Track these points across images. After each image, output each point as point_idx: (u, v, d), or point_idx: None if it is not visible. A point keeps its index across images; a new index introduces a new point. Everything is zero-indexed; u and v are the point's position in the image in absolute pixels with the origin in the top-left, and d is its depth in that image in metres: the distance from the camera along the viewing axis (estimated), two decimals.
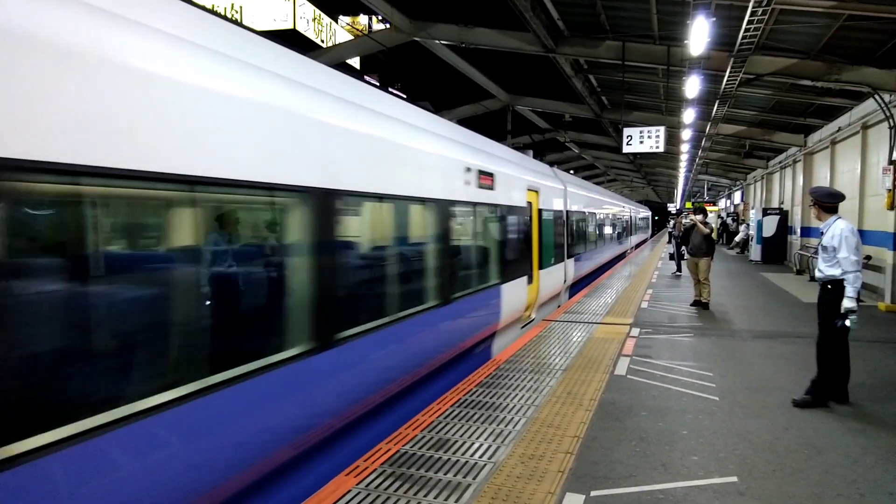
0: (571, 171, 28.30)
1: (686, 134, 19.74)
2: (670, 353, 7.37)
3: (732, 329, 9.09)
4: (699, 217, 11.57)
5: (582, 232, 15.19)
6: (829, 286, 5.37)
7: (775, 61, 11.55)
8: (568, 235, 12.95)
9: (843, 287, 5.20)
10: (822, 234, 5.54)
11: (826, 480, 3.89)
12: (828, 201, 5.53)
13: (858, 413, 5.22)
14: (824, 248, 5.41)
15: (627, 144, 14.72)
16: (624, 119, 17.60)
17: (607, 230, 21.20)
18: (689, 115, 15.87)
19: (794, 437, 4.66)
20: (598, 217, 18.45)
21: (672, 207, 54.18)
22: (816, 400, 5.39)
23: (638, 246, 33.97)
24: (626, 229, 28.73)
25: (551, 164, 15.92)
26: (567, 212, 13.04)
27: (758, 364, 6.94)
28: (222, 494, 3.25)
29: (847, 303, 5.13)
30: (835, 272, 5.29)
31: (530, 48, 13.54)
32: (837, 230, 5.31)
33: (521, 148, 14.28)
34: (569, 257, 12.98)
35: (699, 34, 9.36)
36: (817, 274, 5.57)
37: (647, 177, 47.88)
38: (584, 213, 15.45)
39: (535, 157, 13.01)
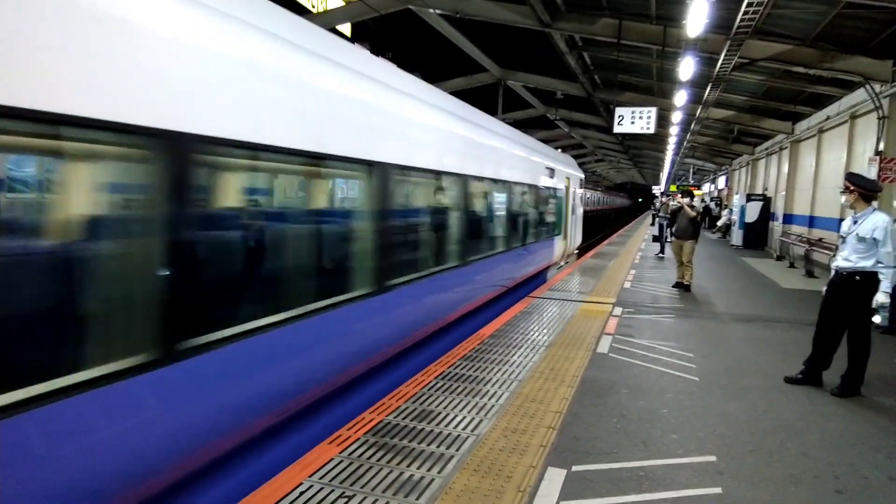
0: (560, 150, 28.19)
1: (676, 116, 19.69)
2: (652, 333, 7.44)
3: (713, 312, 9.19)
4: (686, 200, 11.62)
5: None
6: (858, 277, 5.18)
7: (771, 46, 11.50)
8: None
9: (874, 280, 5.02)
10: (853, 222, 5.31)
11: (802, 462, 3.96)
12: (868, 189, 5.32)
13: (834, 398, 5.30)
14: (861, 239, 5.17)
15: (619, 124, 14.64)
16: (616, 99, 17.49)
17: None
18: (680, 98, 15.80)
19: (772, 419, 4.73)
20: None
21: (657, 190, 54.46)
22: (850, 389, 5.35)
23: None
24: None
25: (541, 141, 15.92)
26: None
27: (737, 346, 7.03)
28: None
29: (882, 297, 4.97)
30: (867, 264, 5.13)
31: (526, 22, 13.30)
32: (881, 222, 5.10)
33: (512, 124, 14.29)
34: None
35: (698, 15, 9.25)
36: (842, 263, 5.33)
37: (634, 158, 47.96)
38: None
39: (524, 132, 13.02)
